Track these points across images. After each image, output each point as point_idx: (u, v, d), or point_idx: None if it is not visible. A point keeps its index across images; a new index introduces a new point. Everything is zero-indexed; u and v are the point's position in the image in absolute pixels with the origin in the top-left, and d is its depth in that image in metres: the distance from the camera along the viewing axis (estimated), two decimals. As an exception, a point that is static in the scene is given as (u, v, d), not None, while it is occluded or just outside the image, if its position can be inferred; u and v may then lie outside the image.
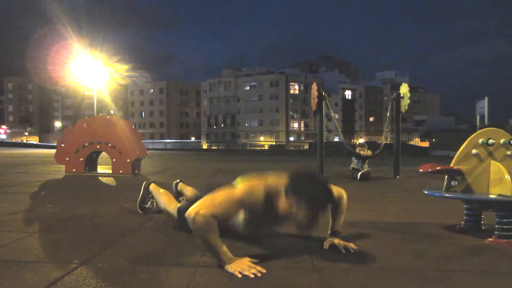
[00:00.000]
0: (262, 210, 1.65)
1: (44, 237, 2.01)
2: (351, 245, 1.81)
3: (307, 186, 1.59)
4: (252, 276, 1.43)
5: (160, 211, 2.45)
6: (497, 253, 1.80)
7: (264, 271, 1.48)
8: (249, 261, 1.54)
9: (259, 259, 1.63)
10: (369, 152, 5.34)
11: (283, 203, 1.63)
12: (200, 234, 1.54)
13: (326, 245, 1.83)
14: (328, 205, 1.66)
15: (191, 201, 2.06)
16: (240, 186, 1.66)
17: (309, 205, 1.57)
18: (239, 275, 1.44)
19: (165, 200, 2.34)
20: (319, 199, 1.58)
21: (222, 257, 1.53)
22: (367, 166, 5.28)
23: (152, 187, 2.53)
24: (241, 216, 1.78)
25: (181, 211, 2.05)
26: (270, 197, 1.64)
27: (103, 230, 2.16)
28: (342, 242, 1.82)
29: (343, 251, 1.76)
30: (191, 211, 1.56)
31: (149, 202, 2.56)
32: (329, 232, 1.92)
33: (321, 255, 1.71)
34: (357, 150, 5.38)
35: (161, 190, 2.45)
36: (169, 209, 2.25)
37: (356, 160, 5.38)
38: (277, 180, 1.68)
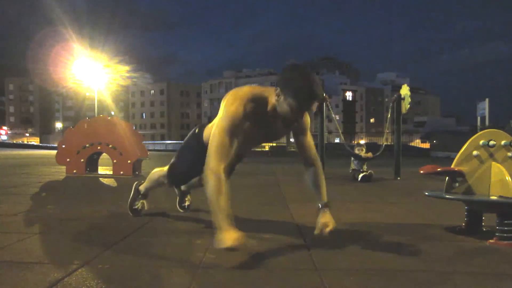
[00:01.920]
0: (253, 117, 1.72)
1: (44, 238, 2.01)
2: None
3: (296, 75, 1.64)
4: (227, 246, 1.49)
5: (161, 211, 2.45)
6: (498, 254, 1.80)
7: (242, 243, 1.51)
8: (238, 237, 1.52)
9: (259, 259, 1.63)
10: (369, 154, 5.34)
11: (271, 101, 1.71)
12: (208, 195, 1.61)
13: (326, 231, 1.83)
14: (313, 101, 1.66)
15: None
16: (222, 116, 1.71)
17: (295, 93, 1.62)
18: (218, 246, 1.51)
19: (155, 173, 2.35)
20: (305, 88, 1.61)
21: (218, 224, 1.56)
22: (366, 167, 5.28)
23: (143, 186, 2.49)
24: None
25: (170, 167, 2.19)
26: (255, 100, 1.72)
27: (103, 231, 2.16)
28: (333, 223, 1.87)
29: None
30: (206, 169, 1.65)
31: (139, 204, 2.50)
32: (319, 205, 1.94)
33: (321, 256, 1.71)
34: (356, 151, 5.39)
35: (149, 175, 2.44)
36: (160, 174, 2.29)
37: (355, 161, 5.38)
38: (268, 87, 1.78)
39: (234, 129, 1.69)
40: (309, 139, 2.00)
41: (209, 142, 1.72)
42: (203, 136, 2.04)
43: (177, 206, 2.70)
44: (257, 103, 1.73)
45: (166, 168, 2.25)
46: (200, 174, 2.11)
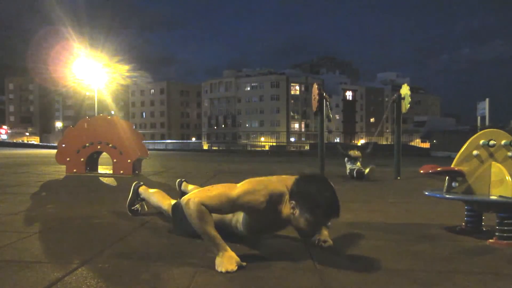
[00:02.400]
0: (263, 213, 1.61)
1: (44, 237, 2.01)
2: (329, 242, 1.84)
3: (314, 190, 1.55)
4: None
5: (159, 212, 2.44)
6: (498, 254, 1.80)
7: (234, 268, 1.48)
8: (236, 262, 1.50)
9: (259, 259, 1.63)
10: (358, 153, 5.52)
11: (286, 206, 1.61)
12: (193, 222, 1.55)
13: (323, 245, 1.82)
14: (331, 216, 1.60)
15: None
16: (241, 187, 1.62)
17: (312, 210, 1.54)
18: (221, 271, 1.47)
19: (158, 198, 2.32)
20: (324, 206, 1.54)
21: (216, 248, 1.53)
22: (360, 165, 5.39)
23: (142, 189, 2.48)
24: (241, 218, 1.77)
25: (175, 207, 2.06)
26: (272, 200, 1.60)
27: (103, 231, 2.16)
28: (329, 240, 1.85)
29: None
30: (184, 198, 1.59)
31: (138, 204, 2.50)
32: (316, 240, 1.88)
33: (321, 256, 1.71)
34: (349, 151, 5.60)
35: (153, 190, 2.42)
36: (162, 206, 2.24)
37: (348, 161, 5.52)
38: (282, 183, 1.65)
39: (236, 203, 1.58)
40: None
41: (207, 187, 1.64)
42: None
43: (127, 208, 2.68)
44: (270, 204, 1.60)
45: (171, 202, 2.17)
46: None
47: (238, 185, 1.65)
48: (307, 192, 1.56)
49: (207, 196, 1.57)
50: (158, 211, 2.41)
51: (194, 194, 1.58)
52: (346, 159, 5.60)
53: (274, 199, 1.61)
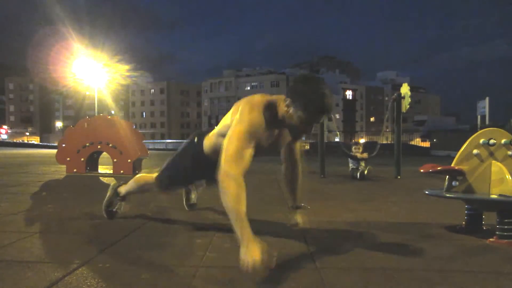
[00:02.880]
0: (267, 126, 1.68)
1: (45, 237, 2.01)
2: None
3: (307, 87, 1.62)
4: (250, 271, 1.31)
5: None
6: (498, 253, 1.80)
7: (272, 266, 1.36)
8: (262, 252, 1.34)
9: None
10: (364, 155, 5.40)
11: (280, 108, 1.69)
12: (228, 201, 1.45)
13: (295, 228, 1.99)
14: (323, 115, 1.65)
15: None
16: (247, 116, 1.65)
17: (305, 106, 1.60)
18: (248, 262, 1.32)
19: (139, 180, 2.26)
20: (316, 102, 1.60)
21: (242, 235, 1.40)
22: (364, 165, 5.31)
23: (121, 187, 2.37)
24: None
25: (161, 171, 2.14)
26: (272, 109, 1.69)
27: (104, 230, 2.16)
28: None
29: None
30: (222, 172, 1.51)
31: (117, 206, 2.37)
32: (290, 206, 2.10)
33: (322, 255, 1.71)
34: (353, 150, 5.45)
35: (131, 180, 2.33)
36: (147, 180, 2.21)
37: (352, 161, 5.44)
38: (278, 95, 1.75)
39: (252, 135, 1.62)
40: (299, 143, 2.07)
41: (224, 146, 1.61)
42: (203, 145, 1.96)
43: (184, 205, 2.68)
44: (270, 112, 1.70)
45: (154, 175, 2.16)
46: (194, 182, 2.09)
47: (227, 123, 1.74)
48: (301, 89, 1.63)
49: (232, 158, 1.54)
50: (158, 209, 2.40)
51: (225, 168, 1.52)
52: (349, 158, 5.53)
53: (269, 108, 1.69)
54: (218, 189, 1.51)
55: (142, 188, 2.28)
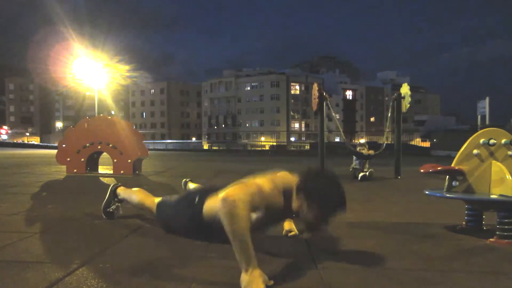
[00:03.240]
0: (277, 205, 1.60)
1: (45, 237, 2.01)
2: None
3: (322, 186, 1.56)
4: None
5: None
6: (498, 253, 1.80)
7: None
8: (264, 281, 1.32)
9: (259, 258, 1.62)
10: (371, 152, 5.33)
11: (294, 201, 1.61)
12: (230, 225, 1.33)
13: (289, 235, 1.96)
14: (339, 211, 1.60)
15: (172, 198, 2.08)
16: (264, 179, 1.57)
17: (321, 206, 1.54)
18: None
19: (140, 196, 2.25)
20: (332, 202, 1.55)
21: (247, 262, 1.33)
22: (368, 166, 5.27)
23: (121, 189, 2.37)
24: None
25: (160, 206, 2.06)
26: (285, 193, 1.61)
27: (104, 231, 2.16)
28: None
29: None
30: (229, 194, 1.36)
31: (114, 206, 2.37)
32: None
33: (322, 255, 1.71)
34: (358, 149, 5.39)
35: (134, 189, 2.34)
36: (145, 203, 2.19)
37: (357, 161, 5.37)
38: (289, 177, 1.67)
39: (268, 196, 1.53)
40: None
41: (239, 181, 1.54)
42: (203, 207, 1.79)
43: None
44: (272, 200, 1.58)
45: (155, 200, 2.12)
46: (191, 237, 1.90)
47: (257, 179, 1.59)
48: (315, 188, 1.56)
49: (250, 193, 1.42)
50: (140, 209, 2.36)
51: (233, 191, 1.39)
52: (354, 157, 5.47)
53: (286, 192, 1.61)
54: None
55: (140, 207, 2.28)
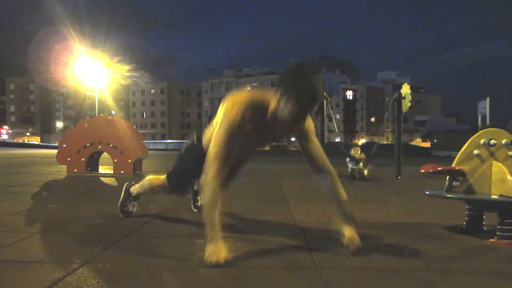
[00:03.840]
0: (256, 120, 1.68)
1: (45, 237, 2.02)
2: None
3: (297, 78, 1.59)
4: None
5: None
6: (499, 253, 1.79)
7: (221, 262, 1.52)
8: (221, 253, 1.55)
9: (260, 259, 1.63)
10: (362, 155, 5.41)
11: (272, 102, 1.66)
12: (205, 206, 1.64)
13: (354, 249, 1.72)
14: (315, 103, 1.63)
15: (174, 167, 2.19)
16: (227, 116, 1.67)
17: (296, 97, 1.57)
18: (211, 261, 1.51)
19: (149, 181, 2.29)
20: (307, 93, 1.58)
21: (211, 233, 1.59)
22: (361, 165, 5.33)
23: (133, 187, 2.41)
24: None
25: (168, 173, 2.17)
26: (261, 103, 1.68)
27: (104, 231, 2.16)
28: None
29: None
30: (202, 180, 1.68)
31: (130, 205, 2.43)
32: (343, 218, 1.81)
33: (322, 255, 1.71)
34: (352, 151, 5.48)
35: (143, 180, 2.37)
36: (157, 183, 2.23)
37: (351, 162, 5.46)
38: (269, 90, 1.73)
39: (232, 137, 1.66)
40: (316, 145, 1.87)
41: (208, 150, 1.70)
42: (202, 142, 1.97)
43: (192, 207, 2.67)
44: (256, 108, 1.68)
45: (163, 176, 2.18)
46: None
47: (218, 120, 1.74)
48: (291, 79, 1.61)
49: (213, 163, 1.65)
50: (159, 210, 2.40)
51: (205, 175, 1.66)
52: (347, 158, 5.56)
53: (256, 104, 1.68)
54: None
55: (153, 190, 2.31)
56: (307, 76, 1.59)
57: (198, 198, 2.68)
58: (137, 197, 2.44)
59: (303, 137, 1.84)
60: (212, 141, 1.71)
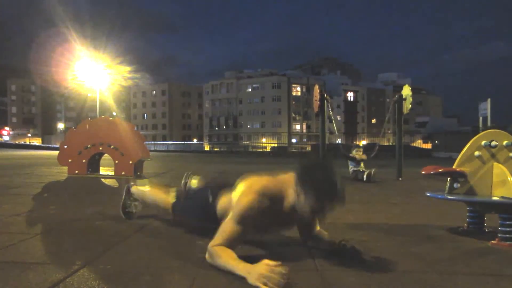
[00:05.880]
0: (270, 212, 1.61)
1: (46, 238, 2.02)
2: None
3: (317, 174, 1.56)
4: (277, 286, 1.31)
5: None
6: (500, 255, 1.79)
7: (287, 271, 1.35)
8: (267, 264, 1.38)
9: (260, 260, 1.63)
10: (363, 156, 5.44)
11: (291, 195, 1.62)
12: (217, 264, 1.52)
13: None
14: (335, 200, 1.59)
15: (182, 193, 2.17)
16: (243, 202, 1.59)
17: (317, 196, 1.54)
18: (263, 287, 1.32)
19: (153, 197, 2.28)
20: (329, 193, 1.55)
21: (240, 272, 1.43)
22: (363, 166, 5.34)
23: (135, 188, 2.41)
24: None
25: (175, 207, 2.11)
26: (278, 195, 1.62)
27: (105, 232, 2.16)
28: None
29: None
30: (211, 249, 1.57)
31: (132, 206, 2.42)
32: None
33: (323, 257, 1.70)
34: (353, 152, 5.48)
35: (146, 189, 2.36)
36: (159, 203, 2.22)
37: (352, 163, 5.46)
38: (285, 176, 1.67)
39: (247, 222, 1.59)
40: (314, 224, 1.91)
41: (221, 226, 1.63)
42: (217, 206, 1.88)
43: None
44: (273, 199, 1.62)
45: (170, 198, 2.16)
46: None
47: (239, 195, 1.64)
48: (311, 177, 1.56)
49: (222, 239, 1.56)
50: (159, 211, 2.40)
51: (213, 243, 1.58)
52: (348, 160, 5.57)
53: (273, 195, 1.62)
54: None
55: (153, 205, 2.31)
56: (327, 175, 1.56)
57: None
58: (137, 199, 2.43)
59: (308, 223, 1.86)
60: (227, 220, 1.63)
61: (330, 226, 2.36)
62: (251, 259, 1.62)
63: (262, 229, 1.77)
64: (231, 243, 1.57)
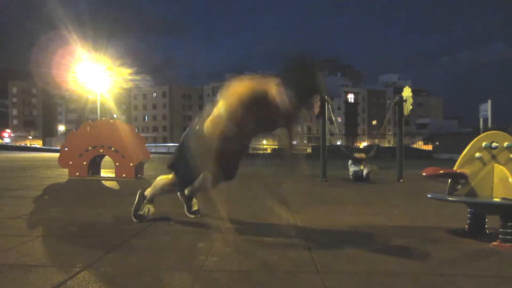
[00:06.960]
0: (255, 107, 1.71)
1: (47, 241, 2.02)
2: None
3: (298, 68, 1.61)
4: None
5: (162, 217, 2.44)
6: (501, 257, 1.79)
7: None
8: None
9: (261, 262, 1.63)
10: (362, 155, 5.48)
11: (274, 91, 1.67)
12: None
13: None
14: (315, 95, 1.66)
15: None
16: (227, 101, 1.72)
17: (295, 87, 1.59)
18: None
19: (161, 181, 2.35)
20: (307, 84, 1.60)
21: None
22: (363, 167, 5.35)
23: (147, 191, 2.45)
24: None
25: (174, 166, 2.22)
26: (262, 92, 1.70)
27: (106, 234, 2.16)
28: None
29: None
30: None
31: (145, 209, 2.45)
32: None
33: (323, 258, 1.70)
34: (356, 155, 5.55)
35: (154, 182, 2.43)
36: (167, 182, 2.30)
37: (352, 164, 5.50)
38: (268, 77, 1.75)
39: (233, 112, 1.70)
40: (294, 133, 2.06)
41: (207, 129, 1.77)
42: (203, 131, 1.97)
43: (186, 213, 2.64)
44: (256, 96, 1.71)
45: (171, 176, 2.23)
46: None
47: (218, 105, 1.79)
48: (292, 68, 1.63)
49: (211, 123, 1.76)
50: (160, 213, 2.41)
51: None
52: (349, 161, 5.59)
53: (255, 91, 1.71)
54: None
55: (163, 189, 2.36)
56: (308, 67, 1.62)
57: (193, 203, 2.69)
58: (151, 200, 2.45)
59: (288, 125, 1.99)
60: (211, 119, 1.78)
61: (331, 227, 2.36)
62: (251, 259, 1.63)
63: (245, 129, 1.83)
64: (217, 127, 1.72)
